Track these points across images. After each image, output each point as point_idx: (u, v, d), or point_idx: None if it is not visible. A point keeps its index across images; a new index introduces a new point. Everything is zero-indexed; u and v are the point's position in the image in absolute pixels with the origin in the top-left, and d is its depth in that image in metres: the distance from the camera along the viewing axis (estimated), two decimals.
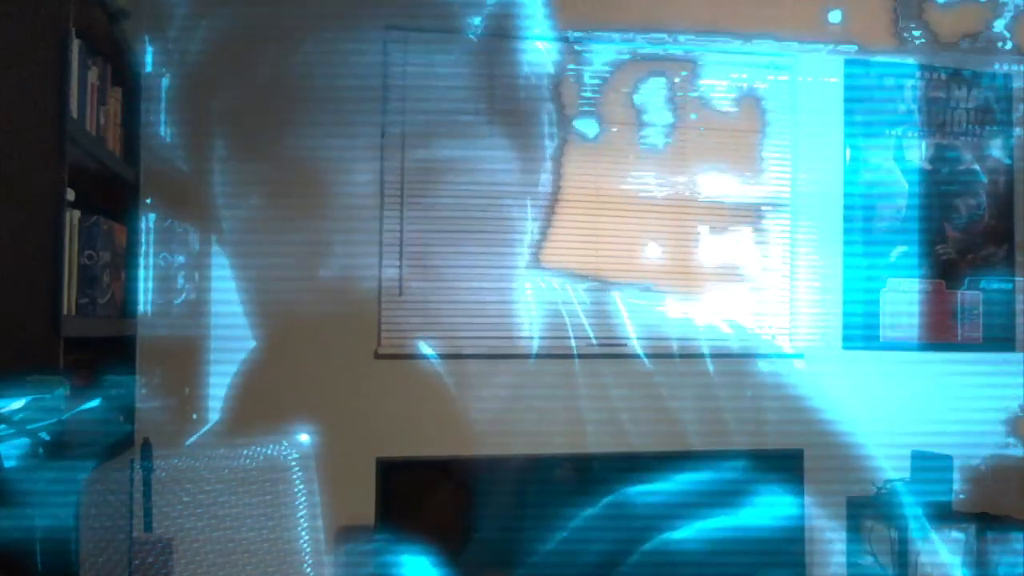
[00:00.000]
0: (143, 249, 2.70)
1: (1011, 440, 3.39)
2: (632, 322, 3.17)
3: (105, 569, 2.33)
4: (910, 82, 3.42)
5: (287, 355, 2.90)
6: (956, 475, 3.23)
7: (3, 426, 1.70)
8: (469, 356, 3.04)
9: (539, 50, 3.11)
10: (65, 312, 1.98)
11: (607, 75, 3.19)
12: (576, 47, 3.15)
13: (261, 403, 2.86)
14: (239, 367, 2.87)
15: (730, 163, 3.28)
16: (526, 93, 3.11)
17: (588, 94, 3.17)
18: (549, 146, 3.12)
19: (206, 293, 2.88)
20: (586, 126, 3.16)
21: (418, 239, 3.03)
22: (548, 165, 3.13)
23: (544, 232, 3.13)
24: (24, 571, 1.66)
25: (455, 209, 3.05)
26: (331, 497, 2.79)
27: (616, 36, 3.18)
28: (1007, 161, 3.49)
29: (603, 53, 3.18)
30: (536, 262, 3.12)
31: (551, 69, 3.13)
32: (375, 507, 2.71)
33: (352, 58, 2.94)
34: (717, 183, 3.27)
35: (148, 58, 2.77)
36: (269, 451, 2.71)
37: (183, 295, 2.86)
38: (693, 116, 3.25)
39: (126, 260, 2.59)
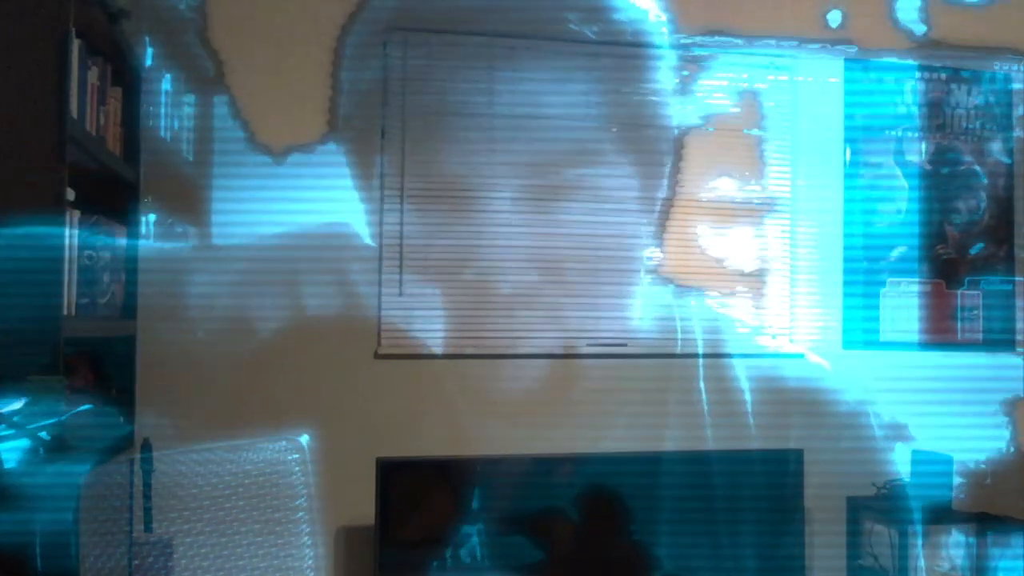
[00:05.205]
0: (143, 249, 2.70)
1: (1010, 440, 3.39)
2: (632, 322, 3.17)
3: (105, 569, 2.32)
4: (910, 82, 3.42)
5: (287, 355, 2.90)
6: (956, 475, 3.22)
7: (3, 426, 1.70)
8: (471, 356, 3.04)
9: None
10: (65, 312, 1.98)
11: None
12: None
13: (261, 403, 2.86)
14: (239, 367, 2.87)
15: (732, 163, 3.28)
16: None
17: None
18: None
19: (206, 293, 2.88)
20: None
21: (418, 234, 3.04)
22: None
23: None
24: (24, 571, 1.66)
25: (454, 209, 3.06)
26: (331, 497, 2.79)
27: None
28: (1007, 161, 3.48)
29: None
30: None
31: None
32: (375, 507, 2.71)
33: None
34: (721, 183, 3.28)
35: (148, 58, 2.77)
36: (269, 451, 2.71)
37: (183, 295, 2.85)
38: (698, 117, 3.25)
39: (126, 260, 2.59)
